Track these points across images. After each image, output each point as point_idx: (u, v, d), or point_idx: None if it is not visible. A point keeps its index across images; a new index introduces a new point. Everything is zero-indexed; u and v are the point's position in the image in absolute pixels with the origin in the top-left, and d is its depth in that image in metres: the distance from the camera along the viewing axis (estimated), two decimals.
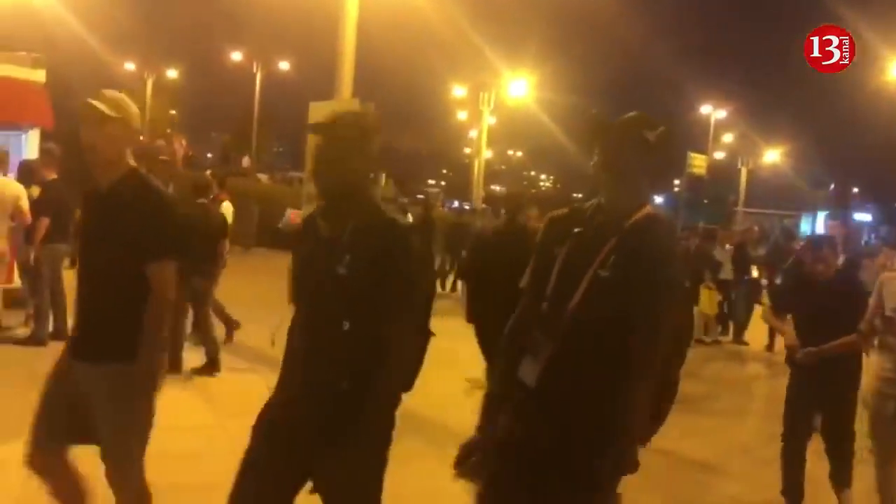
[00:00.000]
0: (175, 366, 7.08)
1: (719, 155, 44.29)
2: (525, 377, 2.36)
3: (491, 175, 40.07)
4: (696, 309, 12.59)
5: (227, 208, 8.13)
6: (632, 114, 2.41)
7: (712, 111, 41.12)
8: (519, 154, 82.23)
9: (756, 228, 16.29)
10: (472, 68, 32.91)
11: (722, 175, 42.76)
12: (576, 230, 2.39)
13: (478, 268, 6.50)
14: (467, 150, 43.55)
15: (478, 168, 29.80)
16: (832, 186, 45.41)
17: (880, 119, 34.07)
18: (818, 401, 4.99)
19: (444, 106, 40.07)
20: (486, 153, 32.42)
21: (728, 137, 44.76)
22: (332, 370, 2.51)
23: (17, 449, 4.92)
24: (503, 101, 32.31)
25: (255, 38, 50.29)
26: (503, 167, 74.08)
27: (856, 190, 51.42)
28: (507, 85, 31.06)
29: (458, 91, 35.61)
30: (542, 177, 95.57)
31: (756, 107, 61.82)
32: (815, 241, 5.40)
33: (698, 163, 37.74)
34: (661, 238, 2.38)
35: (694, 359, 11.07)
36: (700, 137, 41.05)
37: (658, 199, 55.90)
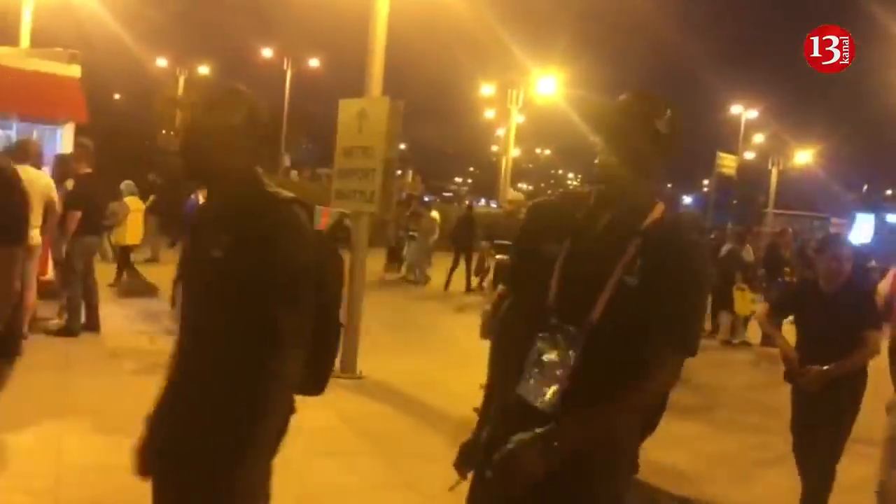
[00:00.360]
0: None
1: (749, 155, 43.81)
2: (533, 398, 2.06)
3: (518, 173, 40.01)
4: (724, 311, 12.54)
5: None
6: (635, 95, 2.18)
7: (743, 111, 40.70)
8: (547, 152, 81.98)
9: (790, 231, 16.14)
10: (501, 66, 32.88)
11: (752, 176, 42.28)
12: (575, 228, 2.14)
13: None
14: (494, 149, 43.47)
15: (505, 166, 29.78)
16: (865, 188, 44.72)
17: None
18: (822, 412, 4.51)
19: (472, 104, 40.09)
20: (514, 151, 32.35)
21: (759, 138, 44.27)
22: (207, 371, 2.17)
23: (50, 431, 5.04)
24: (531, 100, 32.23)
25: (285, 36, 50.63)
26: (531, 165, 73.93)
27: (889, 192, 50.59)
28: (535, 83, 30.95)
29: (487, 89, 35.57)
30: (570, 175, 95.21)
31: (788, 106, 61.10)
32: (829, 240, 5.01)
33: (728, 163, 37.20)
34: (693, 240, 2.10)
35: (713, 361, 10.99)
36: (730, 137, 40.64)
37: (687, 200, 55.50)
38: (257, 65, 47.61)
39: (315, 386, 2.33)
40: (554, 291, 2.10)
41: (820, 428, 4.47)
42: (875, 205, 33.41)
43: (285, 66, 44.14)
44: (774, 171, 41.00)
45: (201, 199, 7.78)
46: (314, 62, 46.23)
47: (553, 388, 2.02)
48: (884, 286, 5.62)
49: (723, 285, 12.32)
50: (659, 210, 2.10)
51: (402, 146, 28.49)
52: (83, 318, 7.97)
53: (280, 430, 2.20)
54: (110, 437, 5.06)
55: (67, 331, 7.77)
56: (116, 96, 47.77)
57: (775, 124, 43.52)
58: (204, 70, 47.86)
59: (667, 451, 5.97)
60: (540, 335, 2.09)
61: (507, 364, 2.21)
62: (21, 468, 4.50)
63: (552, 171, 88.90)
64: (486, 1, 21.75)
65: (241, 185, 2.25)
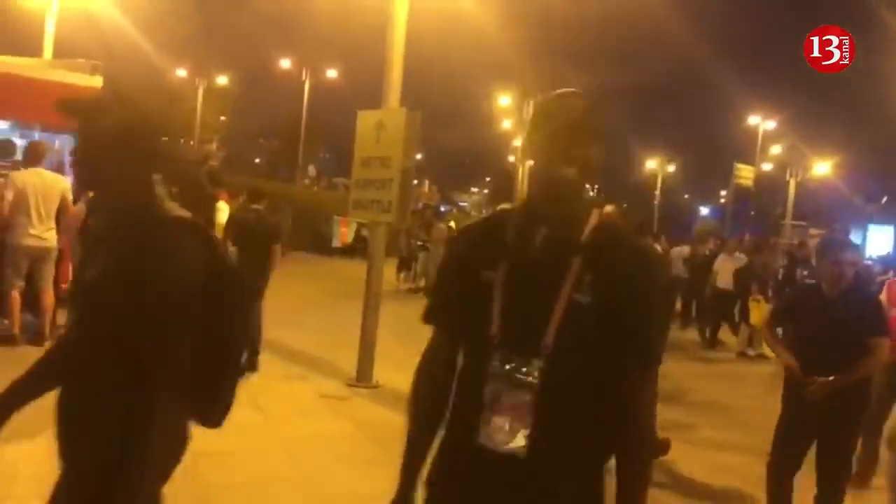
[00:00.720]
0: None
1: (767, 166, 43.60)
2: (500, 444, 1.83)
3: None
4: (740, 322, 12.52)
5: (223, 208, 8.21)
6: (568, 91, 1.99)
7: (760, 122, 40.53)
8: None
9: (810, 243, 16.06)
10: (518, 76, 32.95)
11: (769, 187, 42.08)
12: (509, 249, 1.92)
13: None
14: (511, 159, 43.54)
15: (521, 177, 29.81)
16: (884, 199, 44.36)
17: None
18: (817, 425, 4.33)
19: (490, 114, 40.16)
20: (530, 162, 32.40)
21: (776, 149, 44.04)
22: (75, 401, 2.02)
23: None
24: None
25: (303, 46, 51.00)
26: None
27: None
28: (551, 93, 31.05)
29: (504, 100, 35.68)
30: (586, 186, 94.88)
31: (806, 117, 60.71)
32: (830, 244, 4.73)
33: (745, 174, 37.26)
34: (641, 246, 2.02)
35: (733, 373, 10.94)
36: (748, 148, 40.49)
37: (704, 211, 55.09)
38: (276, 75, 48.08)
39: (209, 419, 2.20)
40: (497, 322, 1.87)
41: (833, 432, 4.32)
42: (894, 216, 33.17)
43: (304, 77, 44.43)
44: (792, 183, 40.79)
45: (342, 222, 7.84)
46: (332, 73, 46.53)
47: (521, 429, 1.83)
48: (882, 296, 5.54)
49: (740, 298, 12.32)
50: (595, 217, 1.93)
51: (419, 156, 28.60)
52: None
53: (168, 461, 2.11)
54: None
55: None
56: None
57: (793, 135, 43.31)
58: (222, 80, 48.31)
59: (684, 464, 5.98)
60: (490, 373, 1.86)
61: (433, 415, 2.02)
62: (35, 474, 4.56)
63: None
64: (504, 12, 21.85)
65: (125, 198, 2.04)
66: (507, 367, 1.85)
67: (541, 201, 1.95)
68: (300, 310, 11.08)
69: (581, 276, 1.83)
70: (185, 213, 2.03)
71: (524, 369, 1.84)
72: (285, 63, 46.91)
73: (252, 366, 7.46)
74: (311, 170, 41.73)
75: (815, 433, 4.36)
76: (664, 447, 5.89)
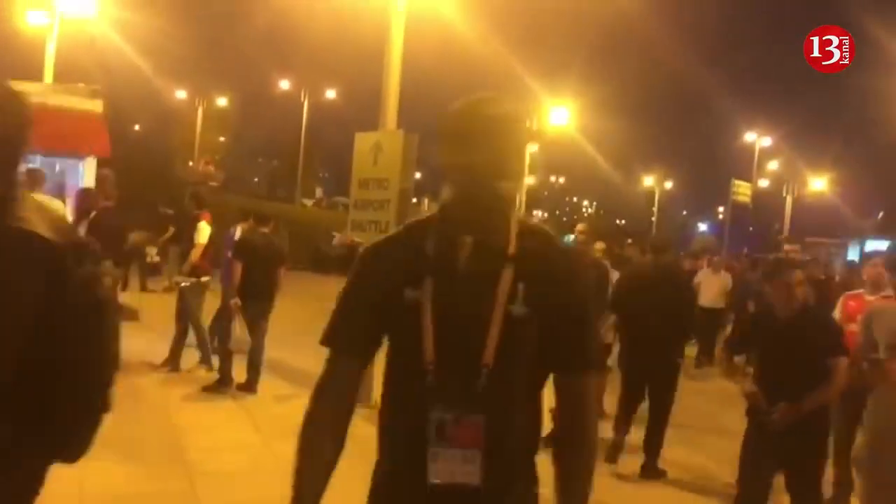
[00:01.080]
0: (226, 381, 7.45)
1: (764, 183, 43.79)
2: (457, 476, 1.71)
3: (533, 201, 40.14)
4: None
5: (203, 229, 8.28)
6: (494, 96, 1.89)
7: (757, 138, 40.76)
8: (561, 180, 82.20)
9: (817, 259, 16.03)
10: (514, 95, 33.13)
11: (766, 203, 42.24)
12: (433, 263, 1.77)
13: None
14: None
15: (520, 195, 29.95)
16: (881, 214, 44.50)
17: None
18: (781, 453, 4.18)
19: None
20: (528, 179, 32.54)
21: (773, 165, 44.27)
22: None
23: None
24: (544, 128, 32.47)
25: (302, 67, 51.36)
26: (545, 193, 74.11)
27: None
28: (548, 112, 31.21)
29: None
30: (585, 203, 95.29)
31: (802, 133, 61.04)
32: (778, 265, 4.58)
33: (743, 190, 37.40)
34: (567, 250, 1.93)
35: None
36: (745, 165, 40.68)
37: (703, 227, 55.25)
38: (275, 96, 48.37)
39: (65, 455, 2.01)
40: (430, 344, 1.72)
41: (798, 461, 4.19)
42: (890, 231, 33.22)
43: (302, 97, 44.70)
44: (789, 199, 40.94)
45: (238, 232, 7.96)
46: (331, 93, 46.81)
47: (474, 456, 1.70)
48: (836, 312, 5.49)
49: (734, 314, 12.37)
50: (517, 223, 1.82)
51: (418, 175, 28.72)
52: None
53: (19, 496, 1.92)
54: (131, 466, 5.17)
55: None
56: (136, 127, 48.54)
57: (789, 152, 43.57)
58: (222, 101, 48.58)
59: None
60: (430, 402, 1.72)
61: (334, 450, 1.87)
62: (43, 497, 4.60)
63: (567, 199, 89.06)
64: (500, 32, 22.06)
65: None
66: (448, 392, 1.71)
67: (464, 210, 1.82)
68: (300, 330, 11.08)
69: (514, 286, 1.73)
70: (31, 229, 1.72)
71: (468, 392, 1.71)
72: (284, 84, 47.23)
73: (251, 387, 7.52)
74: (319, 192, 42.16)
75: (781, 462, 4.22)
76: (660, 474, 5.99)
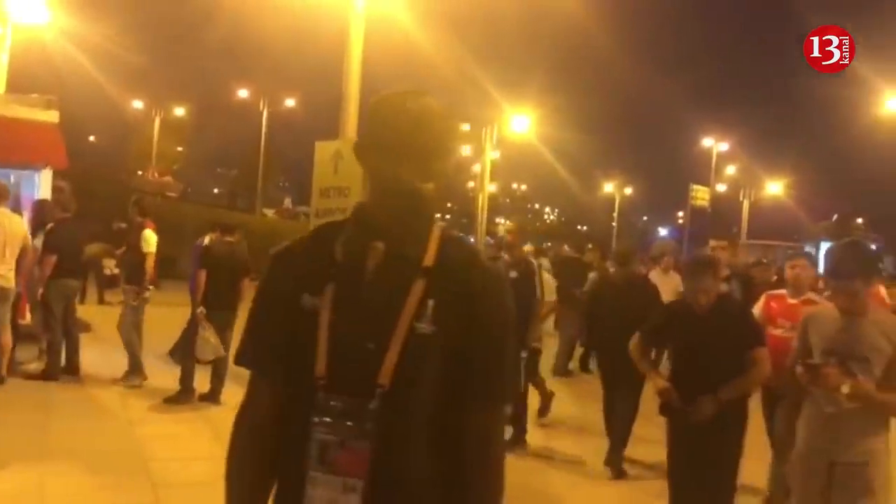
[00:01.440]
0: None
1: (721, 187, 44.54)
2: None
3: (496, 208, 40.41)
4: None
5: (149, 237, 8.23)
6: (420, 92, 1.71)
7: (714, 144, 41.46)
8: (523, 187, 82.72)
9: (764, 261, 16.25)
10: (476, 104, 33.34)
11: (724, 207, 42.95)
12: (338, 269, 1.63)
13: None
14: (471, 185, 43.89)
15: (482, 202, 30.06)
16: (834, 217, 45.54)
17: (883, 151, 34.34)
18: (699, 448, 4.15)
19: None
20: (490, 187, 32.74)
21: (731, 170, 45.06)
22: None
23: (32, 474, 5.07)
24: (506, 136, 32.71)
25: (261, 76, 51.10)
26: (507, 200, 74.53)
27: (860, 220, 51.50)
28: (509, 120, 31.45)
29: (463, 127, 36.01)
30: (547, 210, 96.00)
31: (759, 139, 62.15)
32: (695, 262, 4.53)
33: (701, 195, 37.99)
34: (491, 268, 1.71)
35: None
36: (703, 170, 41.33)
37: (663, 231, 55.97)
38: (234, 105, 47.90)
39: None
40: (323, 358, 1.58)
41: (706, 468, 4.15)
42: (845, 234, 33.99)
43: (261, 106, 44.39)
44: (746, 203, 41.70)
45: (207, 241, 7.91)
46: (290, 101, 46.56)
47: (356, 487, 1.54)
48: (756, 311, 5.42)
49: None
50: (437, 233, 1.68)
51: None
52: (63, 362, 7.99)
53: None
54: (93, 479, 5.11)
55: (47, 374, 7.77)
56: (91, 138, 47.83)
57: (746, 157, 44.38)
58: (179, 111, 48.07)
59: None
60: (315, 421, 1.56)
61: (261, 481, 1.70)
62: None
63: (529, 206, 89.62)
64: (461, 41, 22.20)
65: None
66: (336, 412, 1.56)
67: (381, 214, 1.66)
68: None
69: (424, 301, 1.57)
70: None
71: (357, 414, 1.55)
72: (243, 93, 46.84)
73: (214, 397, 7.47)
74: (288, 202, 41.82)
75: (700, 456, 4.16)
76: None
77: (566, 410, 8.10)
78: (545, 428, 7.53)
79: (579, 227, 77.27)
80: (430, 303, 1.58)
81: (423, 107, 1.66)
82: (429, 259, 1.62)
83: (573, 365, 10.90)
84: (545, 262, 16.16)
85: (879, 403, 3.45)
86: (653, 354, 4.82)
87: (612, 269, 8.78)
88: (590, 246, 15.27)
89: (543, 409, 7.73)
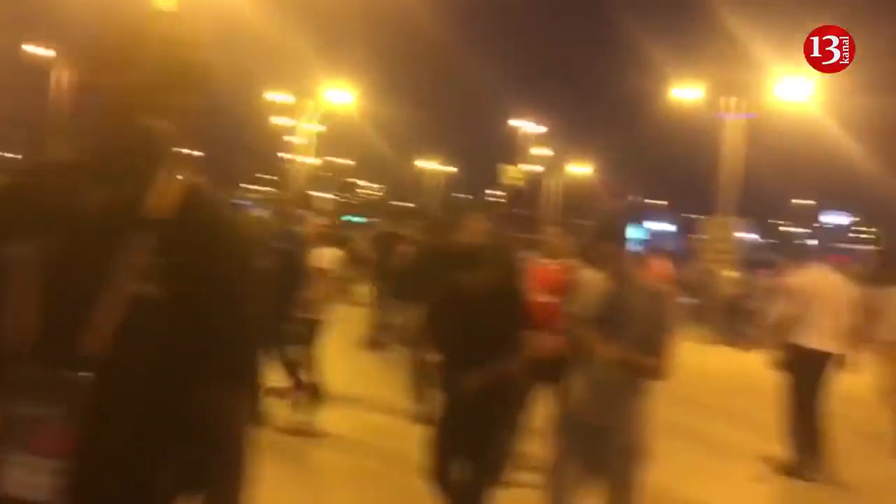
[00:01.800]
0: None
1: (538, 168, 46.49)
2: (25, 489, 1.32)
3: (314, 181, 40.02)
4: None
5: None
6: (168, 12, 1.44)
7: (525, 126, 43.00)
8: (349, 162, 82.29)
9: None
10: (296, 76, 32.83)
11: (533, 188, 45.00)
12: (49, 216, 1.39)
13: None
14: (288, 156, 43.28)
15: (296, 174, 29.71)
16: (630, 197, 49.30)
17: (675, 139, 37.31)
18: (467, 429, 3.96)
19: (266, 112, 39.45)
20: (312, 160, 32.38)
21: (544, 151, 47.13)
22: None
23: None
24: (331, 110, 32.42)
25: (57, 37, 47.54)
26: (329, 174, 73.89)
27: (665, 202, 56.20)
28: (331, 94, 31.20)
29: (280, 96, 35.24)
30: (375, 186, 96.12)
31: (567, 124, 65.39)
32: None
33: (514, 174, 39.32)
34: (232, 224, 1.51)
35: None
36: (513, 151, 42.76)
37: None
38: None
39: None
40: (24, 321, 1.35)
41: (483, 432, 4.00)
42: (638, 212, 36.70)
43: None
44: (552, 184, 43.78)
45: None
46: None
47: (58, 471, 1.32)
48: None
49: None
50: (179, 184, 1.44)
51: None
52: None
53: None
54: None
55: None
56: None
57: (556, 140, 46.61)
58: None
59: None
60: (10, 391, 1.34)
61: None
62: None
63: (348, 180, 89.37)
64: (280, 12, 21.78)
65: None
66: (38, 385, 1.33)
67: (101, 151, 1.43)
68: None
69: (151, 260, 1.36)
70: None
71: (63, 388, 1.32)
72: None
73: None
74: None
75: (467, 438, 3.99)
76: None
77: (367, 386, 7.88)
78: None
79: (406, 204, 77.84)
80: (160, 262, 1.36)
81: (153, 25, 1.44)
82: (160, 211, 1.40)
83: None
84: (357, 236, 16.30)
85: (640, 367, 3.55)
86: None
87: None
88: (411, 221, 15.45)
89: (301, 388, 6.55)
